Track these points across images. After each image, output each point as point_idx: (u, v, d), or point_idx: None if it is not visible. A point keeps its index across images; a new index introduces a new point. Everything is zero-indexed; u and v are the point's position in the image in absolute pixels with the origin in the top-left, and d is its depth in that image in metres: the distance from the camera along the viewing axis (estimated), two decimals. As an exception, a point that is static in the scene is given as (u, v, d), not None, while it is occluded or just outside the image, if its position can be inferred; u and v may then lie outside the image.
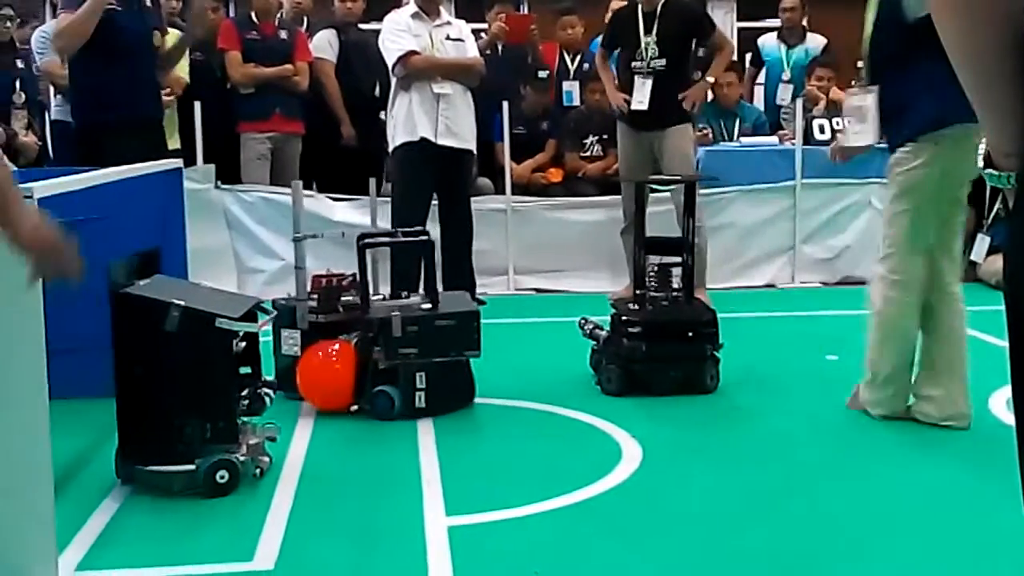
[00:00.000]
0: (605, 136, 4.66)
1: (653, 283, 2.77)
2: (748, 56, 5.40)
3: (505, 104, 4.27)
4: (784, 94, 5.05)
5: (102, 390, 2.05)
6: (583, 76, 4.70)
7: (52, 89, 4.22)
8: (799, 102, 4.53)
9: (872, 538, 1.79)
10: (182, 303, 1.92)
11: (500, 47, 4.62)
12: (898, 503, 1.96)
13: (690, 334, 2.68)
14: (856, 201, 4.49)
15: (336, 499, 1.98)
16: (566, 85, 4.73)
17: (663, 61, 3.78)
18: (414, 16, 3.75)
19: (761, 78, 5.30)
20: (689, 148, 3.90)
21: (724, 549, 1.75)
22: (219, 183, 4.14)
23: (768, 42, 5.29)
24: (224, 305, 2.01)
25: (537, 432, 2.43)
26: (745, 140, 4.68)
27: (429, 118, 3.67)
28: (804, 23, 5.23)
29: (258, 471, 2.04)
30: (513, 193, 4.36)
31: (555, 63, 4.77)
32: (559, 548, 1.75)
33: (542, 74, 4.61)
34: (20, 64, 4.01)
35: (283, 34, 4.34)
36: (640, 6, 3.83)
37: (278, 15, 4.44)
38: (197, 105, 4.06)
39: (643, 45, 3.80)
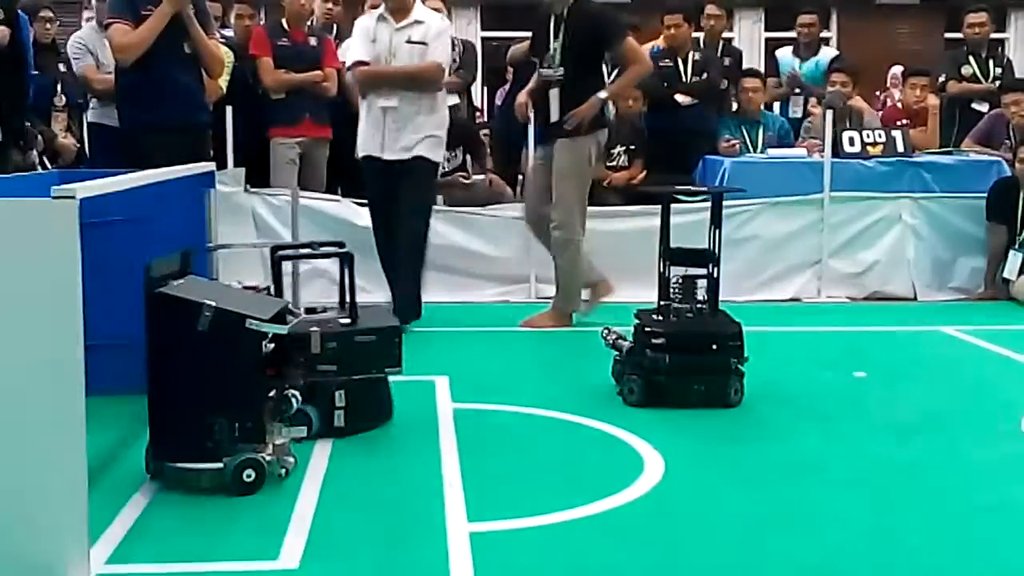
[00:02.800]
0: (632, 146, 4.66)
1: (677, 295, 2.76)
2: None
3: (532, 113, 4.29)
4: (796, 106, 5.07)
5: (134, 386, 2.10)
6: None
7: (88, 93, 4.32)
8: (829, 114, 4.50)
9: (900, 556, 1.77)
10: (214, 304, 1.96)
11: None
12: (926, 521, 1.93)
13: (714, 347, 2.67)
14: (886, 215, 4.45)
15: (360, 501, 1.99)
16: None
17: (562, 70, 3.51)
18: (380, 18, 3.51)
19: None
20: (568, 166, 3.52)
21: (746, 565, 1.74)
22: (248, 187, 4.21)
23: (784, 55, 5.35)
24: (254, 307, 2.05)
25: (558, 441, 2.43)
26: (773, 152, 4.66)
27: (376, 132, 3.47)
28: (820, 36, 5.32)
29: (283, 471, 2.07)
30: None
31: None
32: (580, 558, 1.75)
33: None
34: (62, 67, 4.11)
35: (313, 41, 4.41)
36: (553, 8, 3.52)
37: (309, 23, 4.52)
38: (228, 110, 4.14)
39: (551, 51, 3.54)
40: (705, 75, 4.75)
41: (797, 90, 5.12)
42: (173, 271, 2.07)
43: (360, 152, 3.56)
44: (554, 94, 3.54)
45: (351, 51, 3.56)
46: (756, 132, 4.74)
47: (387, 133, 3.47)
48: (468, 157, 4.55)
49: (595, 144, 3.62)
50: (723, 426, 2.53)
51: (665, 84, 4.69)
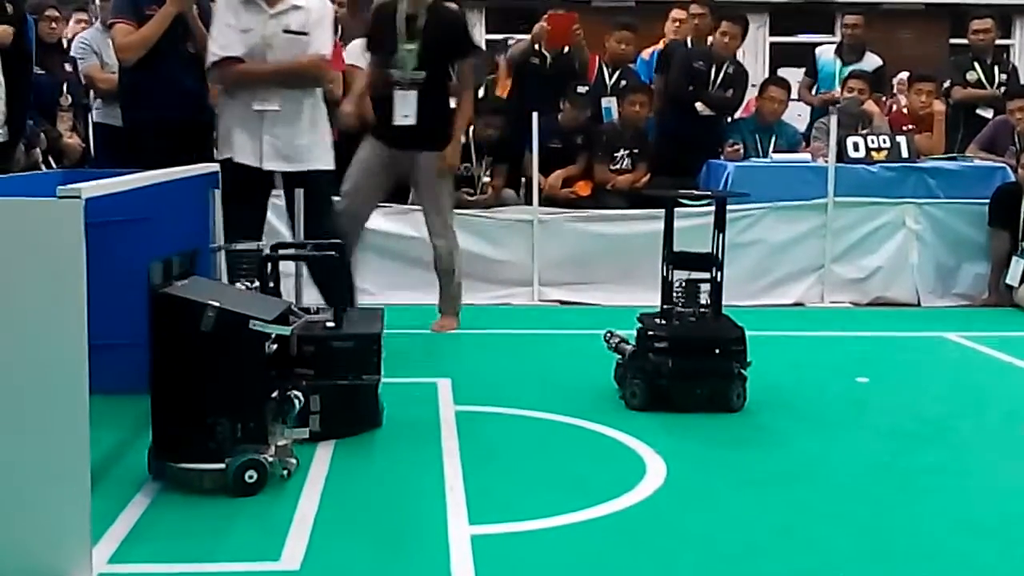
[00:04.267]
0: (636, 150, 4.67)
1: (681, 299, 2.76)
2: (786, 69, 5.35)
3: (535, 116, 4.29)
4: (833, 109, 5.01)
5: (138, 386, 2.10)
6: (620, 91, 4.70)
7: (93, 93, 4.33)
8: (833, 118, 4.49)
9: (901, 562, 1.76)
10: (217, 304, 1.96)
11: (548, 56, 4.61)
12: (927, 527, 1.93)
13: (717, 351, 2.67)
14: (890, 221, 4.44)
15: (361, 503, 2.00)
16: (604, 101, 4.73)
17: (423, 74, 3.34)
18: (248, 2, 2.95)
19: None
20: (441, 176, 3.51)
21: (747, 570, 1.73)
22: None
23: (826, 55, 5.25)
24: (258, 307, 2.05)
25: (560, 444, 2.43)
26: (777, 156, 4.65)
27: (253, 139, 2.98)
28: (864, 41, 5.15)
29: (285, 472, 2.07)
30: (540, 204, 4.38)
31: (593, 76, 4.77)
32: (582, 562, 1.75)
33: (581, 89, 4.58)
34: (68, 67, 4.12)
35: (318, 42, 4.40)
36: (403, 6, 3.33)
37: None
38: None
39: (402, 52, 3.35)
40: (731, 92, 4.71)
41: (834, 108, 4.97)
42: (176, 271, 2.07)
43: (227, 156, 3.01)
44: (410, 97, 3.35)
45: (214, 42, 2.96)
46: (769, 140, 4.71)
47: (266, 140, 2.99)
48: (493, 168, 4.42)
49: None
50: (725, 430, 2.52)
51: (691, 88, 4.67)
